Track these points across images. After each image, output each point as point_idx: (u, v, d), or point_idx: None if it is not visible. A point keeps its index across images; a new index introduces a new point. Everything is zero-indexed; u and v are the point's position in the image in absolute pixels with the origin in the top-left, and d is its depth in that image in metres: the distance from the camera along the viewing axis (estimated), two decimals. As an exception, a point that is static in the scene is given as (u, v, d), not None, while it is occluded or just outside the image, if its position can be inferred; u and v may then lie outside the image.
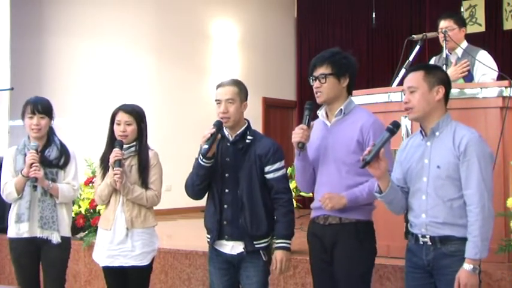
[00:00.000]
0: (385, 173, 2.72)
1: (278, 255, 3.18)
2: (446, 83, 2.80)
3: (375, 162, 2.68)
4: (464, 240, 2.65)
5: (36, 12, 7.68)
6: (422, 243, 2.75)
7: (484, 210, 2.62)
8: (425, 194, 2.75)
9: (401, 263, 4.00)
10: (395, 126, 2.73)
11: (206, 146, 3.07)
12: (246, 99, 3.28)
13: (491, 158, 2.75)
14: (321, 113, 3.11)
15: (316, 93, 3.01)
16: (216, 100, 3.23)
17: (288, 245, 3.21)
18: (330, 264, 3.01)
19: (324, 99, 3.01)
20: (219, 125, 3.14)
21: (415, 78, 2.77)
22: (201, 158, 3.13)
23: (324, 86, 2.98)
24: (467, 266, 2.61)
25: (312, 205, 3.12)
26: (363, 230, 2.99)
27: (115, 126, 3.60)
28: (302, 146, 2.96)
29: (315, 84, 3.00)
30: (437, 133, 2.76)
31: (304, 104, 3.07)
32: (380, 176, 2.72)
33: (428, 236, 2.73)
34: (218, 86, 3.27)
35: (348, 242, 2.96)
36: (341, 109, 3.01)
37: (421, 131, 2.83)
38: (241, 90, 3.25)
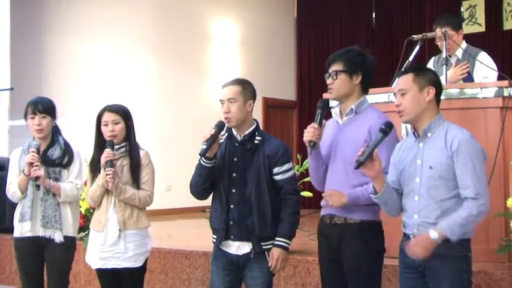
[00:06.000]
0: (380, 174, 2.72)
1: (275, 253, 3.14)
2: (437, 84, 2.80)
3: (368, 163, 2.68)
4: (454, 242, 2.63)
5: (36, 13, 7.69)
6: None
7: (479, 206, 2.61)
8: (418, 195, 2.74)
9: (401, 263, 4.03)
10: (387, 127, 2.74)
11: (204, 146, 3.06)
12: (253, 99, 3.22)
13: (484, 155, 2.74)
14: (334, 110, 3.11)
15: (329, 89, 3.03)
16: (220, 100, 3.21)
17: (287, 245, 3.18)
18: (337, 263, 3.00)
19: (334, 95, 3.03)
20: (220, 126, 3.12)
21: (405, 81, 2.78)
22: (202, 158, 3.12)
23: (335, 82, 2.98)
24: (432, 233, 2.60)
25: (322, 203, 3.10)
26: (368, 230, 2.97)
27: (102, 127, 3.56)
28: (314, 144, 2.95)
29: (328, 80, 3.01)
30: (429, 134, 2.76)
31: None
32: (374, 176, 2.72)
33: None
34: (223, 86, 3.25)
35: (353, 243, 2.95)
36: (352, 108, 3.01)
37: (413, 132, 2.82)
38: (245, 89, 3.19)
